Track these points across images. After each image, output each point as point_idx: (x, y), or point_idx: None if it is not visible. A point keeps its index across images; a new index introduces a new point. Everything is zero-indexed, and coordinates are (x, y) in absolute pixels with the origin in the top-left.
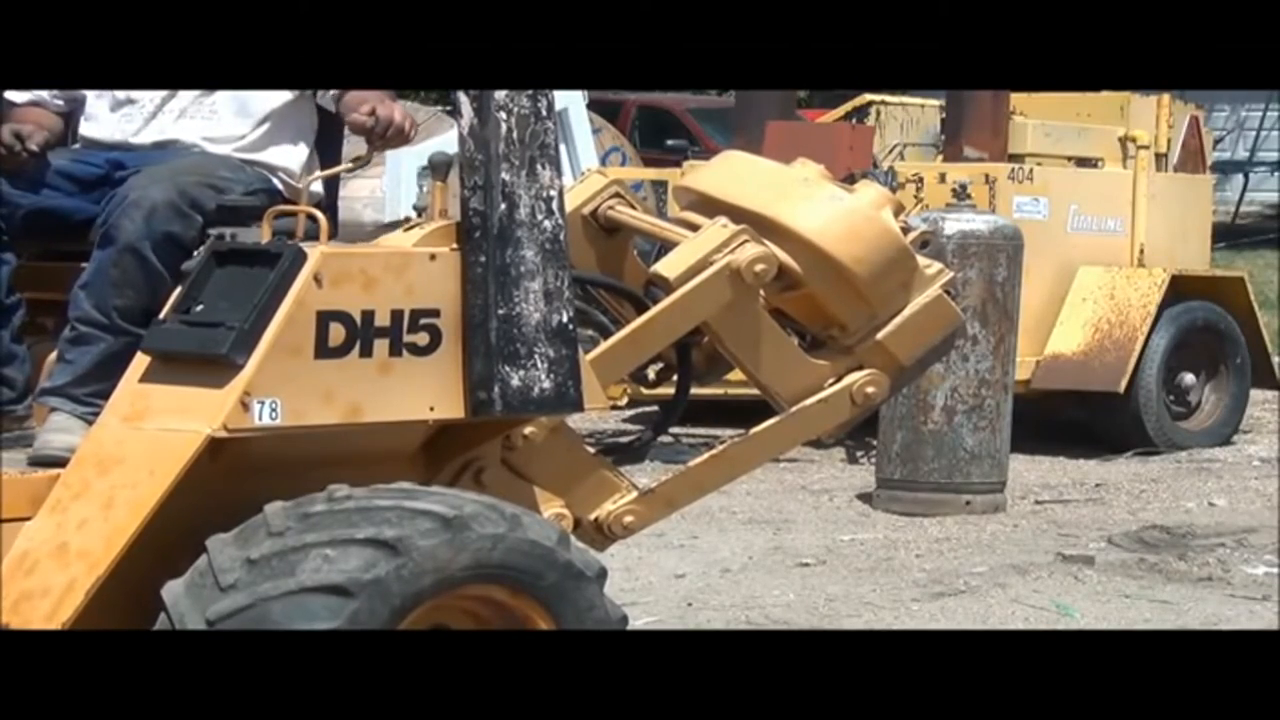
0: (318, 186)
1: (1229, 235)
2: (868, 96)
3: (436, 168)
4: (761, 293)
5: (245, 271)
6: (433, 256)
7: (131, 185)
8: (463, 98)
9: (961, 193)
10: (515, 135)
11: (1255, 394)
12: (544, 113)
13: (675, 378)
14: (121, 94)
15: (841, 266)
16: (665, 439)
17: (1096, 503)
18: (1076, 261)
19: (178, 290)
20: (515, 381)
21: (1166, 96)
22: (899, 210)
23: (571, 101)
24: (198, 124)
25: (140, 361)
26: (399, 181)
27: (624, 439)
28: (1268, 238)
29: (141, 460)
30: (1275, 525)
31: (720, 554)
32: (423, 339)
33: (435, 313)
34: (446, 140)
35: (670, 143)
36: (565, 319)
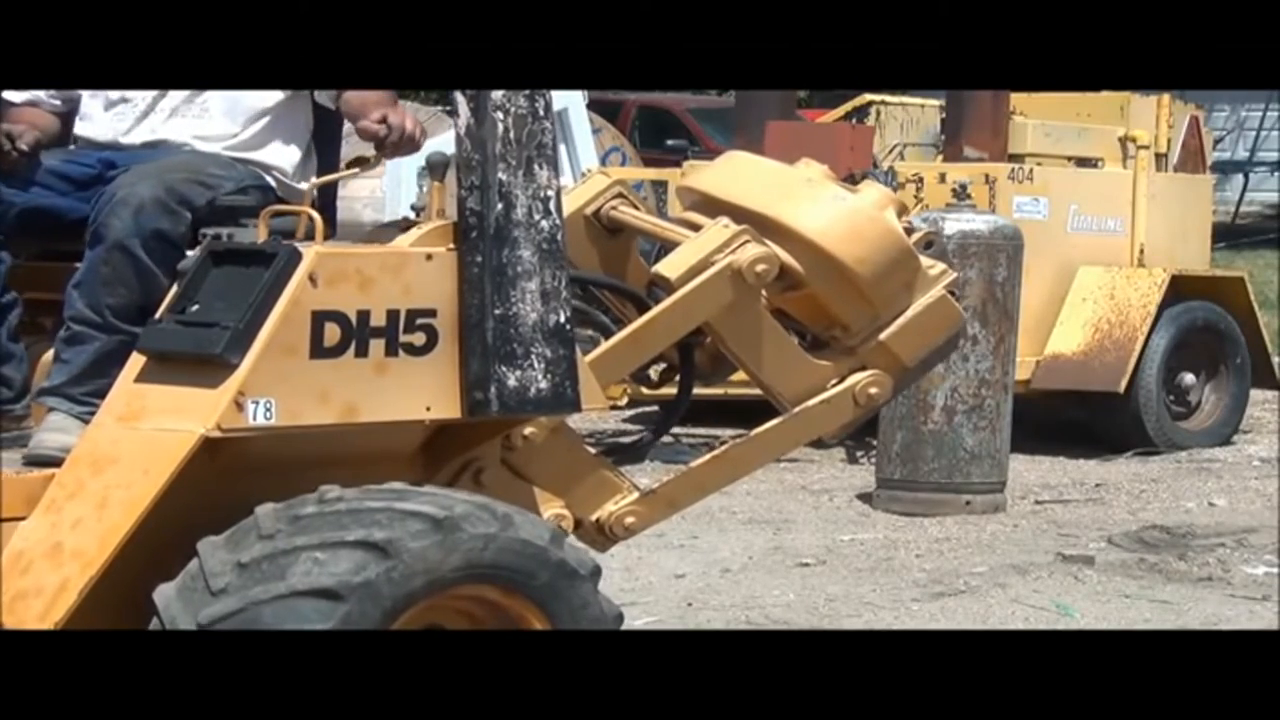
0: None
1: (1229, 235)
2: (868, 96)
3: (434, 168)
4: (764, 293)
5: (241, 271)
6: (429, 256)
7: (119, 183)
8: (459, 98)
9: (961, 193)
10: (512, 135)
11: (1255, 394)
12: (541, 112)
13: (677, 378)
14: (114, 93)
15: (844, 267)
16: (665, 439)
17: (1096, 503)
18: (1076, 261)
19: (173, 290)
20: (512, 382)
21: (1166, 96)
22: (902, 211)
23: (571, 102)
24: (189, 123)
25: (136, 361)
26: (399, 181)
27: (625, 439)
28: (1268, 238)
29: (136, 460)
30: (1275, 525)
31: (720, 554)
32: (419, 339)
33: (432, 313)
34: (446, 140)
35: (670, 143)
36: (562, 319)
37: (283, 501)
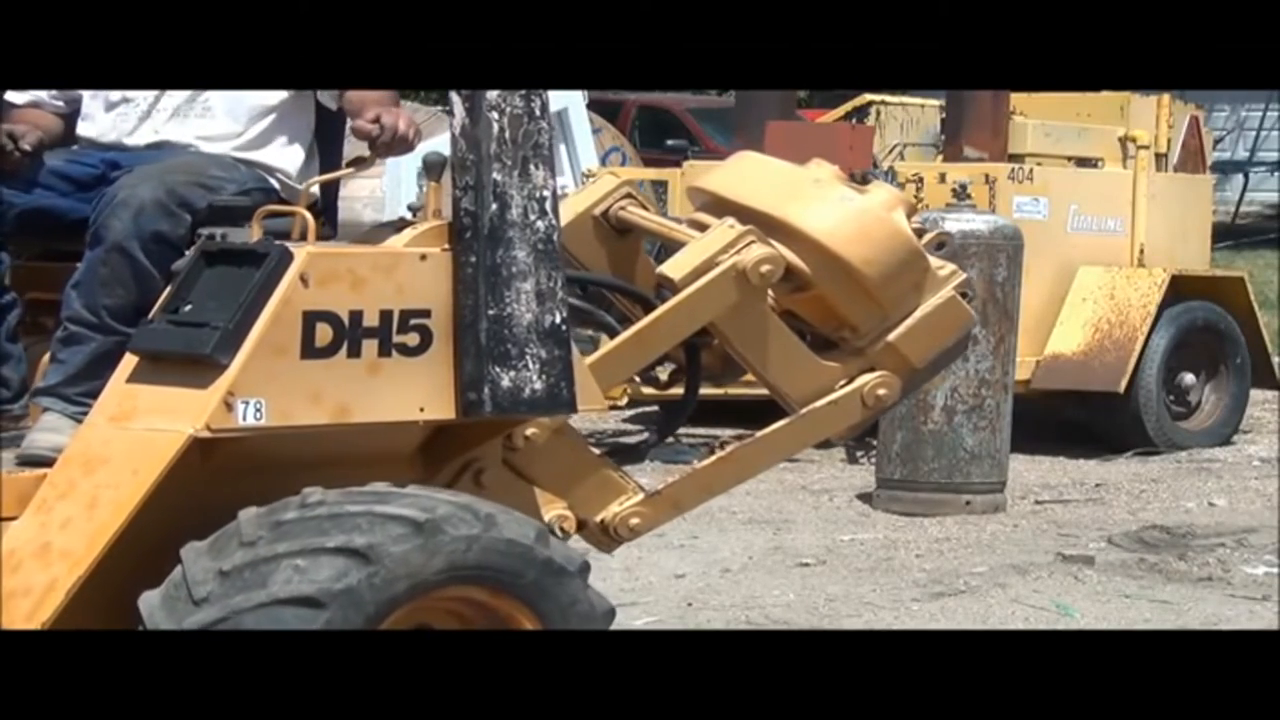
0: (316, 187)
1: (1229, 235)
2: (868, 96)
3: (431, 168)
4: (771, 294)
5: (233, 271)
6: (424, 257)
7: (120, 185)
8: (455, 97)
9: (961, 193)
10: (508, 135)
11: (1255, 394)
12: (537, 112)
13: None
14: (115, 94)
15: (851, 268)
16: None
17: (1096, 503)
18: (1076, 261)
19: (167, 290)
20: (506, 382)
21: (1166, 96)
22: (912, 212)
23: (571, 101)
24: (192, 123)
25: (128, 361)
26: (399, 181)
27: (626, 439)
28: (1268, 238)
29: (126, 460)
30: (1275, 525)
31: (720, 554)
32: (413, 339)
33: (426, 313)
34: (446, 140)
35: (670, 143)
36: (558, 319)
37: (267, 505)
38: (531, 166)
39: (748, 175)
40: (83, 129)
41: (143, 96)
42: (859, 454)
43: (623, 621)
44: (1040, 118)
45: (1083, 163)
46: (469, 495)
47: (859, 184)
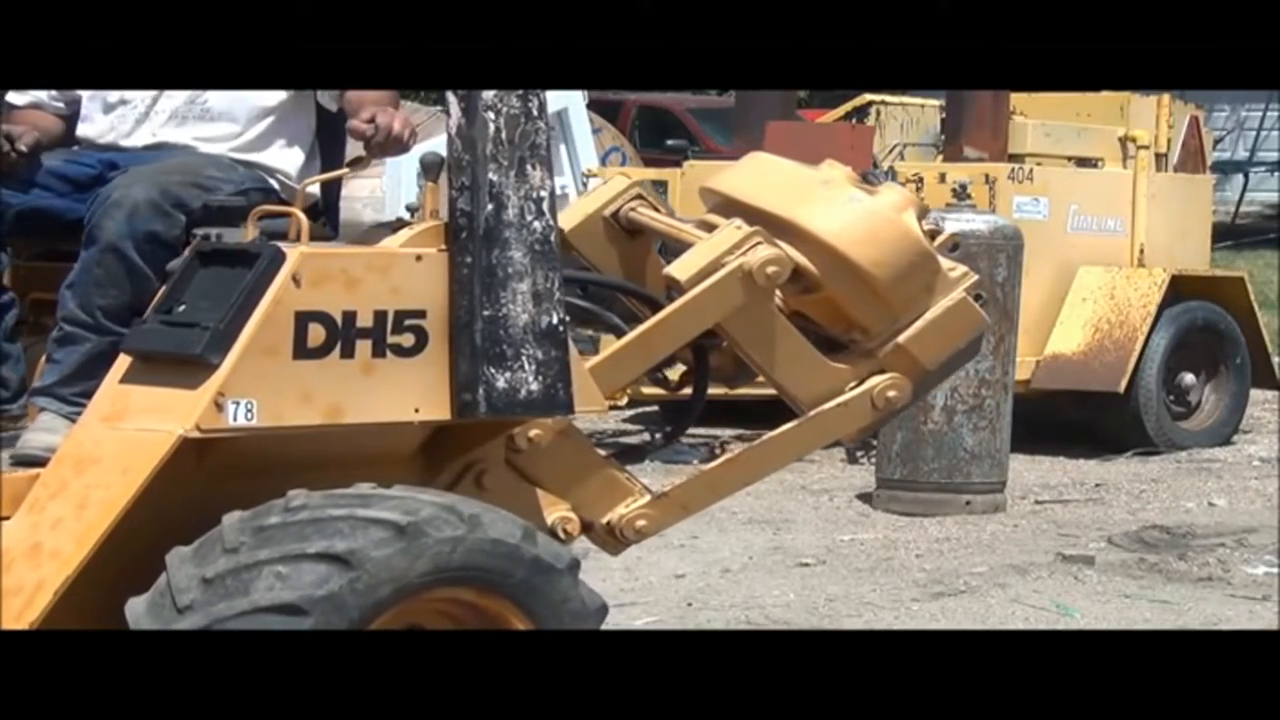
0: (315, 188)
1: (1229, 235)
2: (868, 96)
3: (429, 168)
4: (780, 295)
5: (226, 272)
6: (419, 257)
7: (114, 185)
8: (450, 97)
9: (961, 193)
10: (504, 135)
11: (1255, 394)
12: (534, 113)
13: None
14: (114, 95)
15: (859, 269)
16: (657, 438)
17: (1096, 503)
18: (1076, 261)
19: (161, 290)
20: (501, 383)
21: (1166, 96)
22: (923, 213)
23: (571, 101)
24: (190, 125)
25: (122, 362)
26: (399, 182)
27: (627, 439)
28: (1268, 238)
29: (115, 460)
30: (1275, 525)
31: (720, 554)
32: (408, 340)
33: (421, 314)
34: (445, 141)
35: (670, 143)
36: (555, 320)
37: (251, 509)
38: (528, 167)
39: (758, 176)
40: (82, 130)
41: (140, 98)
42: (859, 454)
43: (623, 621)
44: (1040, 118)
45: (1083, 163)
46: (454, 496)
47: (870, 185)
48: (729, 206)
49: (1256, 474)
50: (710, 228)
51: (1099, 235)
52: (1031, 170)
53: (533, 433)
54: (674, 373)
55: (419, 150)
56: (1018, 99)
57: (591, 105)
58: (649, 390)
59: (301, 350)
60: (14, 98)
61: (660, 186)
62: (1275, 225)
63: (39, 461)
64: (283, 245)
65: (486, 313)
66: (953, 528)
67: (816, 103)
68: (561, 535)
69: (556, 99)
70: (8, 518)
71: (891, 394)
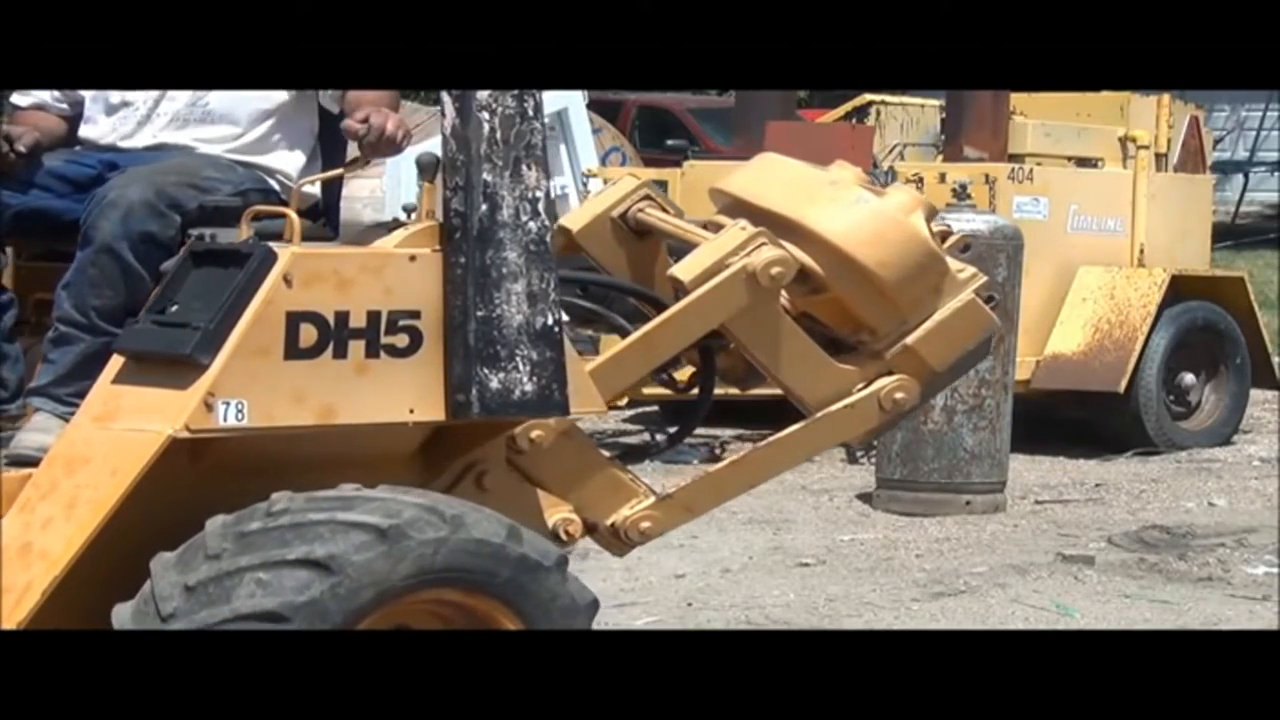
0: (314, 188)
1: (1229, 235)
2: (867, 96)
3: (424, 169)
4: (787, 296)
5: (219, 272)
6: (413, 258)
7: (110, 186)
8: (445, 97)
9: (961, 193)
10: (499, 135)
11: (1255, 394)
12: (530, 113)
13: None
14: (115, 96)
15: (865, 270)
16: (661, 440)
17: (1096, 503)
18: (1076, 261)
19: (155, 290)
20: (494, 384)
21: (1166, 96)
22: (932, 214)
23: (571, 101)
24: (192, 127)
25: (115, 362)
26: (399, 182)
27: (632, 439)
28: (1268, 238)
29: (105, 460)
30: (1275, 525)
31: (720, 554)
32: (402, 340)
33: (416, 314)
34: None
35: (670, 142)
36: (550, 321)
37: (234, 514)
38: (524, 167)
39: (766, 177)
40: (84, 131)
41: (142, 100)
42: (859, 454)
43: (623, 621)
44: (1040, 118)
45: (1083, 163)
46: (439, 496)
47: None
48: (737, 207)
49: (1256, 474)
50: (719, 229)
51: (1099, 235)
52: (1031, 170)
53: (534, 434)
54: (683, 374)
55: (418, 150)
56: (1018, 99)
57: (591, 105)
58: (650, 390)
59: (293, 350)
60: (18, 99)
61: (660, 186)
62: (1275, 225)
63: (32, 461)
64: (275, 246)
65: (480, 313)
66: (953, 528)
67: (816, 103)
68: (563, 536)
69: (556, 99)
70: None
71: (899, 395)
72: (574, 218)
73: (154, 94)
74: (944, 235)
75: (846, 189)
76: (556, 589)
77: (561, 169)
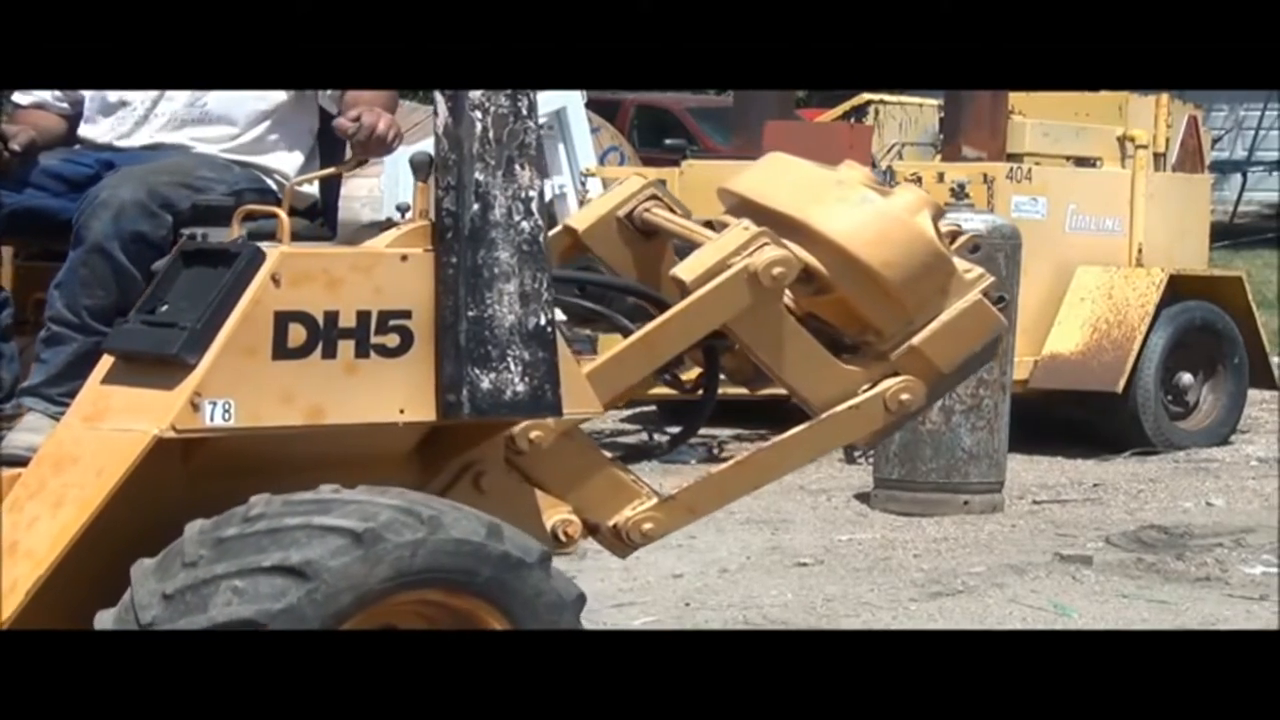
0: (312, 187)
1: (1227, 235)
2: (866, 96)
3: (418, 168)
4: (792, 297)
5: (208, 272)
6: (404, 257)
7: (102, 185)
8: (438, 96)
9: (960, 192)
10: (491, 135)
11: (1253, 394)
12: (524, 112)
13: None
14: (114, 96)
15: (870, 270)
16: (660, 439)
17: (1094, 503)
18: (1074, 261)
19: (147, 290)
20: (485, 384)
21: (1165, 96)
22: (939, 215)
23: (570, 101)
24: (189, 127)
25: (104, 362)
26: (397, 181)
27: (640, 440)
28: (1265, 237)
29: (92, 460)
30: (1273, 525)
31: (718, 554)
32: (392, 340)
33: (407, 314)
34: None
35: (669, 142)
36: (542, 321)
37: (213, 519)
38: (517, 167)
39: (773, 176)
40: (83, 131)
41: (141, 101)
42: (857, 454)
43: (621, 621)
44: (1039, 117)
45: (1081, 162)
46: (418, 496)
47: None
48: (744, 207)
49: (1254, 474)
50: (724, 228)
51: (1097, 235)
52: (1030, 170)
53: (533, 434)
54: (689, 374)
55: (413, 150)
56: (1016, 98)
57: (590, 104)
58: (655, 390)
59: (281, 350)
60: (19, 97)
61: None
62: (1273, 225)
63: (22, 461)
64: (264, 245)
65: (471, 313)
66: (950, 528)
67: (815, 102)
68: (562, 538)
69: (554, 98)
70: None
71: (905, 397)
72: (580, 217)
73: (152, 94)
74: (954, 235)
75: (852, 189)
76: (541, 585)
77: (560, 168)
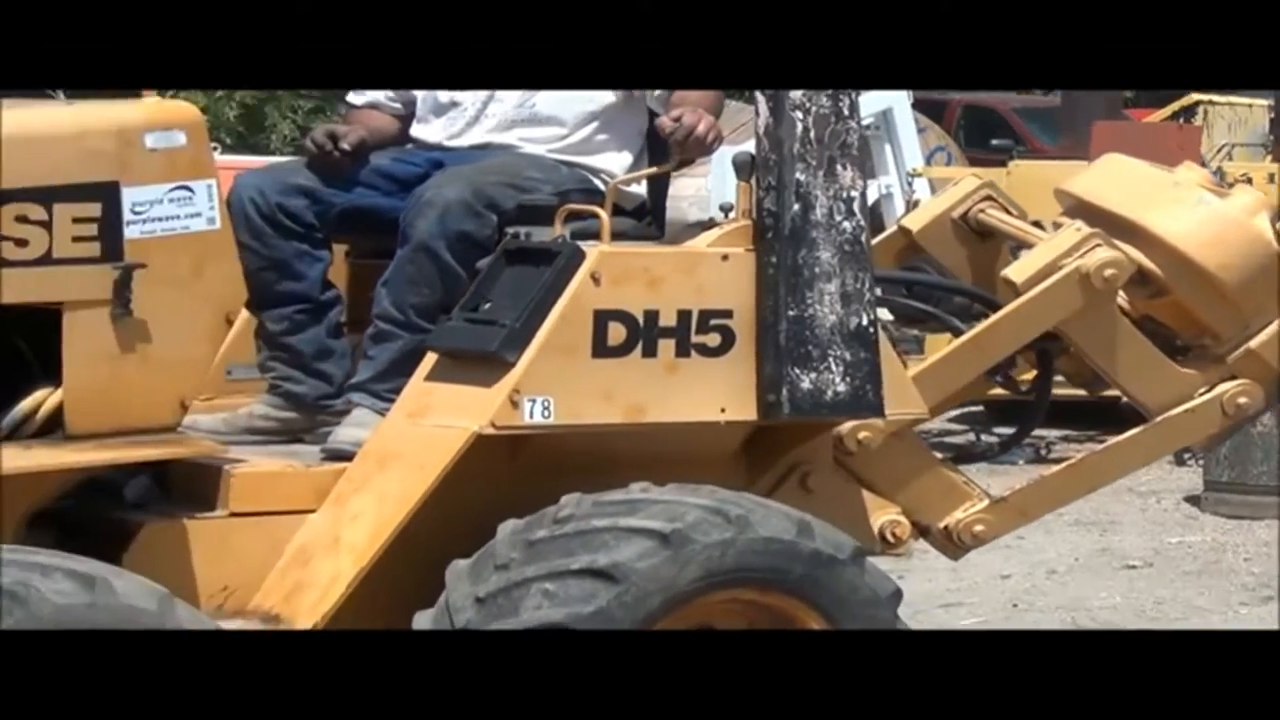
0: (640, 187)
1: None
2: (1194, 96)
3: (740, 168)
4: (1128, 299)
5: (530, 270)
6: (725, 257)
7: (429, 185)
8: (759, 97)
9: None
10: (812, 135)
11: None
12: (845, 112)
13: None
14: (445, 97)
15: (1206, 273)
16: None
17: None
18: None
19: (470, 287)
20: (805, 384)
21: None
22: (1278, 216)
23: (896, 101)
24: (519, 128)
25: (428, 359)
26: (723, 180)
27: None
28: None
29: (414, 456)
30: None
31: (1046, 555)
32: (714, 340)
33: (728, 313)
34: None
35: (995, 142)
36: (865, 321)
37: (525, 520)
38: (838, 166)
39: (1109, 178)
40: (415, 131)
41: (472, 101)
42: (1186, 456)
43: (948, 621)
44: None
45: None
46: (728, 494)
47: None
48: (1080, 208)
49: None
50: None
51: None
52: None
53: (862, 434)
54: (1025, 375)
55: (737, 150)
56: None
57: (916, 105)
58: (1013, 393)
59: (601, 349)
60: (353, 98)
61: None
62: None
63: (347, 456)
64: (584, 244)
65: (792, 313)
66: None
67: (1143, 102)
68: (890, 538)
69: (880, 99)
70: (313, 510)
71: (1242, 400)
72: (914, 218)
73: (483, 95)
74: None
75: (1189, 190)
76: (855, 581)
77: (886, 168)
